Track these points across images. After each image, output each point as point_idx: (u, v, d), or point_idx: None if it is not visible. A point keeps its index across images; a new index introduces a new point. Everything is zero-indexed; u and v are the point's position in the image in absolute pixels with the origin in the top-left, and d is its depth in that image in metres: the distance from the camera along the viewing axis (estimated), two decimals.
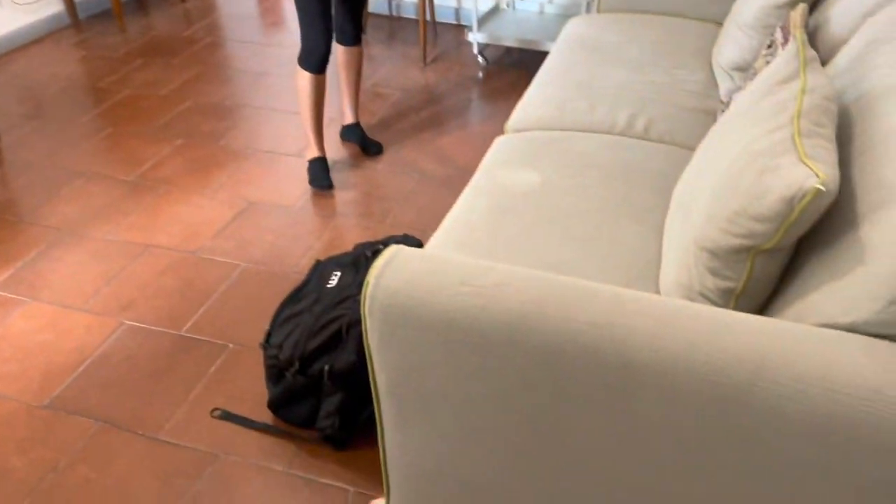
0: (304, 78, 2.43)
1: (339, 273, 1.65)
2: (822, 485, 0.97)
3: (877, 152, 1.12)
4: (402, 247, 1.17)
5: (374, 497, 1.51)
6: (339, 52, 2.65)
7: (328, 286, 1.64)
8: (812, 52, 1.31)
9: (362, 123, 2.96)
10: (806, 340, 0.95)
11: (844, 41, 1.60)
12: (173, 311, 2.02)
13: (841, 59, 1.49)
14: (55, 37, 3.76)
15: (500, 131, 2.86)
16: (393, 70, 3.40)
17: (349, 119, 2.82)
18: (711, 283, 1.19)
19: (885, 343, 0.93)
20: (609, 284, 1.41)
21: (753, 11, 1.90)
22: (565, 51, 2.36)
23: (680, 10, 2.50)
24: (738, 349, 0.96)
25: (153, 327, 1.97)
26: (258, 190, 2.56)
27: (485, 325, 1.05)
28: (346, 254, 1.75)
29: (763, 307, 1.20)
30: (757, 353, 0.95)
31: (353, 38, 2.60)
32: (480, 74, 3.34)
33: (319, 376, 1.53)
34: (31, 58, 3.54)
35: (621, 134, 1.93)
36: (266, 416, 1.69)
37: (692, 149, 1.88)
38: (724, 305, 1.19)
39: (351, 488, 1.54)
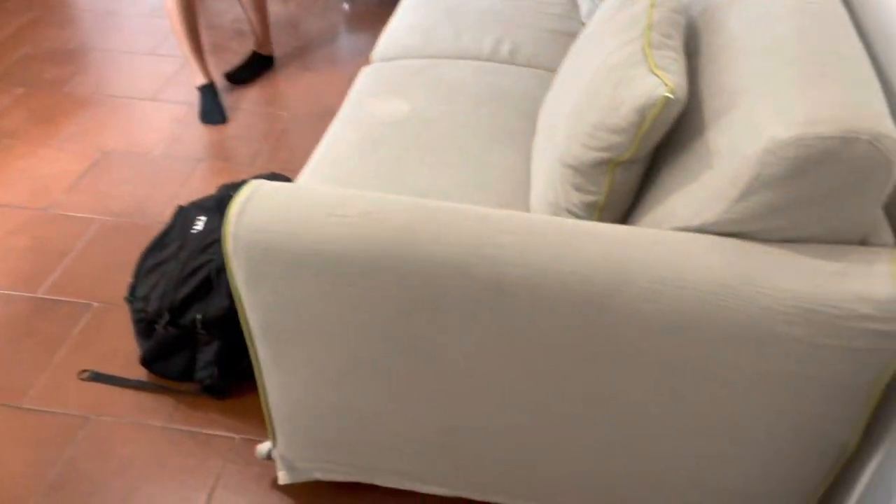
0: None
1: (203, 217, 1.57)
2: (687, 377, 1.03)
3: (720, 61, 1.16)
4: (263, 181, 1.12)
5: (262, 441, 1.49)
6: None
7: (193, 231, 1.56)
8: None
9: (224, 64, 2.80)
10: (661, 244, 1.00)
11: None
12: (27, 273, 1.87)
13: None
14: None
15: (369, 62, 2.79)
16: None
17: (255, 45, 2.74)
18: (576, 198, 1.22)
19: (732, 241, 0.99)
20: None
21: None
22: None
23: None
24: (601, 257, 0.99)
25: (6, 291, 1.82)
26: (112, 138, 2.38)
27: (355, 254, 1.04)
28: (210, 196, 1.67)
29: (625, 217, 1.24)
30: (617, 260, 0.99)
31: None
32: (346, 6, 3.22)
33: (192, 326, 1.46)
34: None
35: (488, 59, 1.92)
36: (140, 373, 1.62)
37: (556, 71, 1.90)
38: (589, 219, 1.22)
39: (236, 436, 1.51)
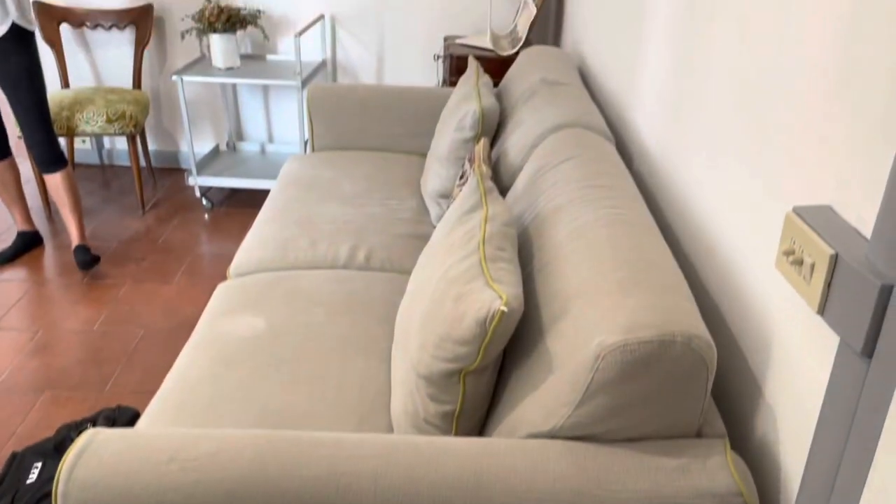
0: None
1: (39, 464, 1.43)
2: None
3: (551, 267, 1.26)
4: (99, 430, 1.05)
5: None
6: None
7: (28, 482, 1.41)
8: (490, 184, 1.46)
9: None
10: (514, 454, 1.01)
11: (520, 168, 1.82)
12: None
13: (519, 185, 1.69)
14: None
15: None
16: (108, 220, 3.19)
17: (75, 240, 2.82)
18: (433, 408, 1.22)
19: (581, 445, 1.02)
20: (340, 424, 1.39)
21: (446, 145, 2.10)
22: (283, 190, 2.39)
23: (387, 146, 2.69)
24: (457, 476, 0.98)
25: None
26: None
27: (202, 499, 0.97)
28: (48, 439, 1.53)
29: (483, 423, 1.25)
30: (474, 476, 0.98)
31: (42, 165, 2.71)
32: (206, 217, 3.26)
33: None
34: None
35: (344, 267, 1.98)
36: None
37: (410, 273, 1.97)
38: (447, 429, 1.22)
39: None
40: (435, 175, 2.18)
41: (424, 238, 2.13)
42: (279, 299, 1.77)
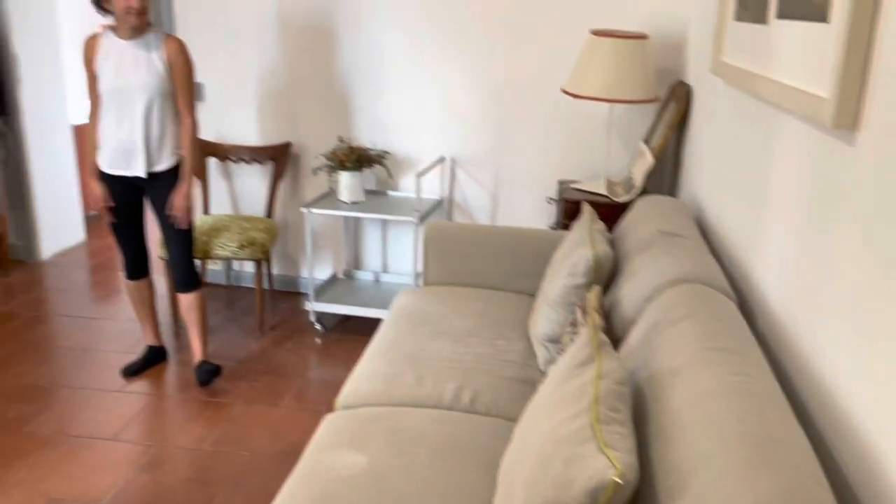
0: (125, 282, 3.05)
1: None
2: None
3: (667, 434, 1.19)
4: None
5: None
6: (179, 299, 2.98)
7: None
8: (603, 337, 1.43)
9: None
10: None
11: (634, 321, 1.78)
12: None
13: (632, 339, 1.65)
14: None
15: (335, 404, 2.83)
16: (229, 339, 3.35)
17: (197, 357, 2.99)
18: None
19: None
20: None
21: (558, 290, 2.10)
22: (395, 323, 2.45)
23: (498, 284, 2.73)
24: None
25: None
26: (62, 484, 2.29)
27: None
28: None
29: None
30: None
31: (180, 285, 2.92)
32: (318, 342, 3.36)
33: None
34: None
35: (449, 408, 1.96)
36: None
37: (516, 420, 1.93)
38: None
39: None
40: (544, 318, 2.17)
41: (531, 383, 2.09)
42: (383, 437, 1.77)
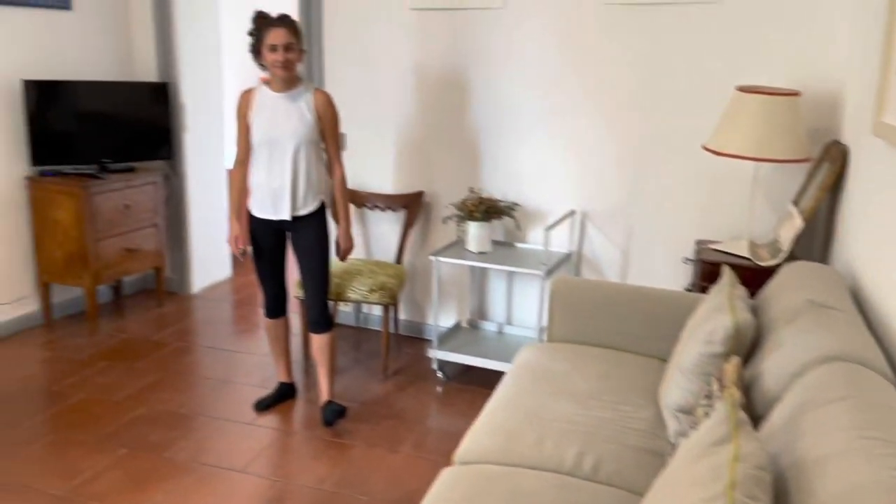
0: (263, 319, 3.18)
1: None
2: None
3: None
4: None
5: None
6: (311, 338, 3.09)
7: None
8: (742, 415, 1.33)
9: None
10: None
11: (778, 398, 1.65)
12: None
13: (775, 419, 1.52)
14: (24, 336, 3.83)
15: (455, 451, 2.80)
16: (354, 381, 3.43)
17: (324, 396, 3.08)
18: None
19: None
20: None
21: (692, 357, 1.99)
22: (516, 378, 2.41)
23: (626, 345, 2.62)
24: None
25: None
26: None
27: None
28: None
29: None
30: None
31: (314, 325, 3.02)
32: (439, 390, 3.37)
33: None
34: None
35: (569, 473, 1.89)
36: None
37: (641, 494, 1.82)
38: None
39: None
40: (676, 387, 2.06)
41: (659, 455, 1.98)
42: (500, 499, 1.72)
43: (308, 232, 2.92)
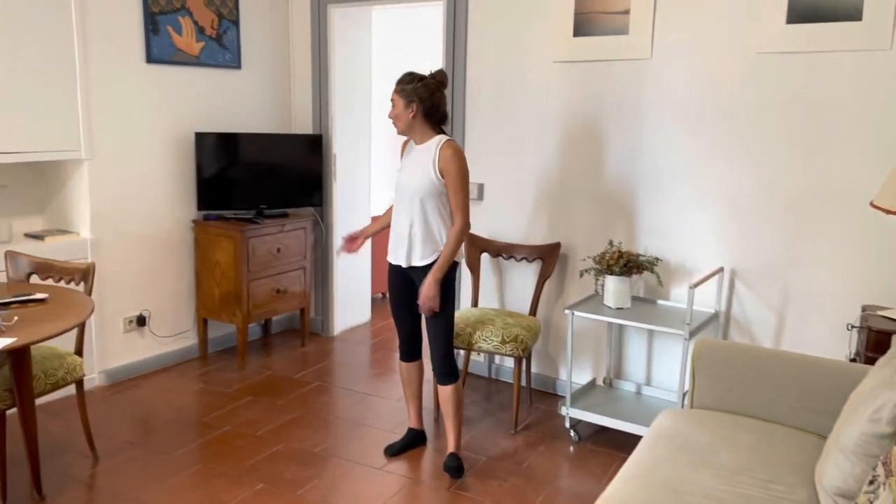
0: (398, 362, 3.30)
1: None
2: None
3: None
4: None
5: None
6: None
7: None
8: None
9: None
10: None
11: None
12: None
13: None
14: (182, 367, 4.12)
15: None
16: (483, 433, 3.39)
17: (450, 448, 3.07)
18: None
19: None
20: None
21: (854, 436, 1.79)
22: (654, 445, 2.27)
23: (778, 417, 2.41)
24: None
25: None
26: None
27: None
28: None
29: None
30: None
31: (437, 376, 3.03)
32: (571, 449, 3.25)
33: None
34: (154, 385, 3.86)
35: None
36: None
37: None
38: None
39: None
40: (835, 467, 1.85)
41: None
42: None
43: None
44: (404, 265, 2.96)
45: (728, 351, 2.54)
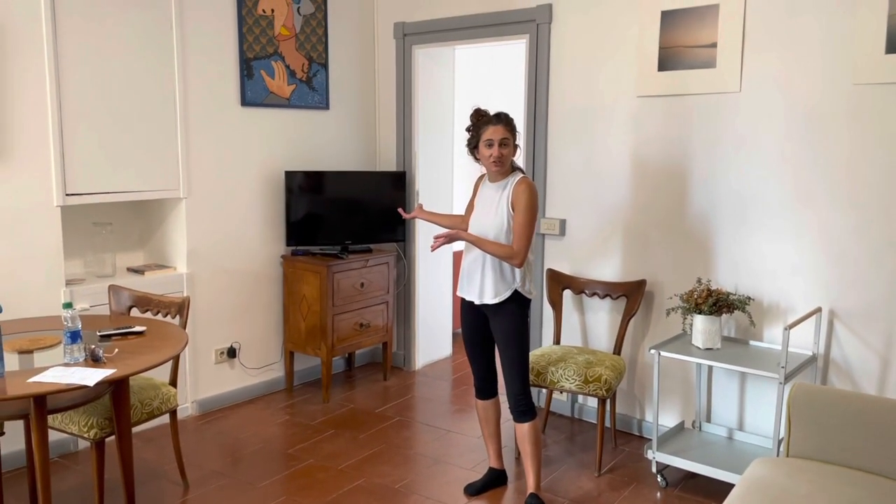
0: (474, 399, 3.22)
1: None
2: None
3: None
4: None
5: None
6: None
7: None
8: None
9: None
10: None
11: None
12: None
13: None
14: (268, 398, 4.24)
15: None
16: (565, 474, 3.31)
17: (529, 488, 3.01)
18: None
19: None
20: None
21: None
22: (746, 494, 2.16)
23: (882, 469, 2.24)
24: None
25: None
26: None
27: None
28: None
29: None
30: None
31: (513, 414, 2.98)
32: (658, 495, 3.12)
33: None
34: (242, 415, 3.97)
35: None
36: None
37: None
38: None
39: None
40: None
41: None
42: None
43: (501, 320, 2.92)
44: (477, 301, 2.95)
45: (827, 397, 2.40)
